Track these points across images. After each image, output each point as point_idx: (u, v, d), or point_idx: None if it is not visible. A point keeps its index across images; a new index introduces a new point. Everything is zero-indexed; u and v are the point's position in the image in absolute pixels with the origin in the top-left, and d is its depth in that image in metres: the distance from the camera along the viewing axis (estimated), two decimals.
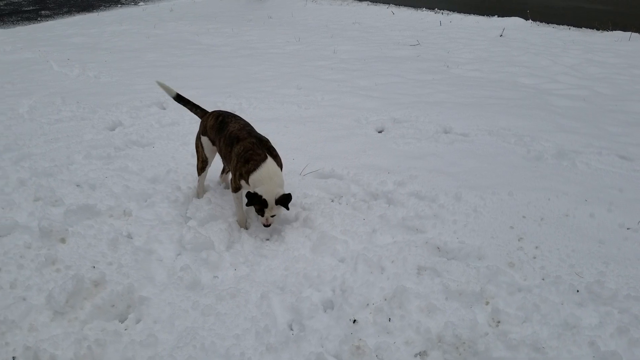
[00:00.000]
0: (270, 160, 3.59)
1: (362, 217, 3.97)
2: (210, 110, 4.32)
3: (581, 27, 12.46)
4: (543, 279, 3.24)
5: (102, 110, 6.32)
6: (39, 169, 4.59)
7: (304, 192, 4.30)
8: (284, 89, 7.31)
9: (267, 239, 3.79)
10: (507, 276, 3.22)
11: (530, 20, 13.05)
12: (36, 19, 13.98)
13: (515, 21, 12.82)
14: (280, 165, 3.73)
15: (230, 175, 4.03)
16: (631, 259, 3.42)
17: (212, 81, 7.80)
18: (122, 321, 2.95)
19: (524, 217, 3.93)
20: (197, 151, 4.20)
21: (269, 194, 3.51)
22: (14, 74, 8.21)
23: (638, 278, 3.23)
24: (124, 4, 16.80)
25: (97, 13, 14.98)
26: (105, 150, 5.08)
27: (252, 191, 3.54)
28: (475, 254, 3.47)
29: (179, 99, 4.32)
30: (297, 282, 3.26)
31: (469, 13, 14.15)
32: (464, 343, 2.75)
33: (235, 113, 4.53)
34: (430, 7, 14.98)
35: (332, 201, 4.22)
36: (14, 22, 13.46)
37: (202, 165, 4.18)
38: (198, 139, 4.16)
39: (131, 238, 3.69)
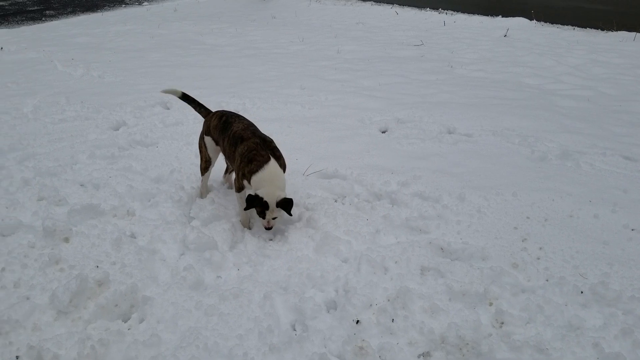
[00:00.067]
0: (273, 162, 3.59)
1: (365, 217, 3.96)
2: (214, 110, 4.33)
3: (585, 28, 12.41)
4: (547, 280, 3.23)
5: (106, 110, 6.34)
6: (43, 169, 4.61)
7: (308, 192, 4.30)
8: (288, 89, 7.31)
9: (271, 239, 3.79)
10: (510, 277, 3.22)
11: (534, 21, 13.01)
12: (40, 19, 14.03)
13: (520, 21, 12.78)
14: (283, 166, 3.73)
15: (233, 175, 4.03)
16: (635, 260, 3.40)
17: (216, 81, 7.81)
18: (125, 321, 2.96)
19: (527, 217, 3.92)
20: (200, 151, 4.20)
21: (270, 196, 3.51)
22: (19, 74, 8.24)
23: None
24: (128, 4, 16.84)
25: (101, 13, 15.03)
26: (109, 150, 5.09)
27: (252, 193, 3.54)
28: (479, 255, 3.46)
29: (185, 97, 4.33)
30: (300, 283, 3.26)
31: (473, 13, 14.12)
32: (468, 344, 2.74)
33: (239, 113, 4.53)
34: (434, 7, 14.96)
35: (336, 201, 4.21)
36: (19, 22, 13.51)
37: (206, 165, 4.18)
38: (201, 139, 4.17)
39: (135, 238, 3.70)
